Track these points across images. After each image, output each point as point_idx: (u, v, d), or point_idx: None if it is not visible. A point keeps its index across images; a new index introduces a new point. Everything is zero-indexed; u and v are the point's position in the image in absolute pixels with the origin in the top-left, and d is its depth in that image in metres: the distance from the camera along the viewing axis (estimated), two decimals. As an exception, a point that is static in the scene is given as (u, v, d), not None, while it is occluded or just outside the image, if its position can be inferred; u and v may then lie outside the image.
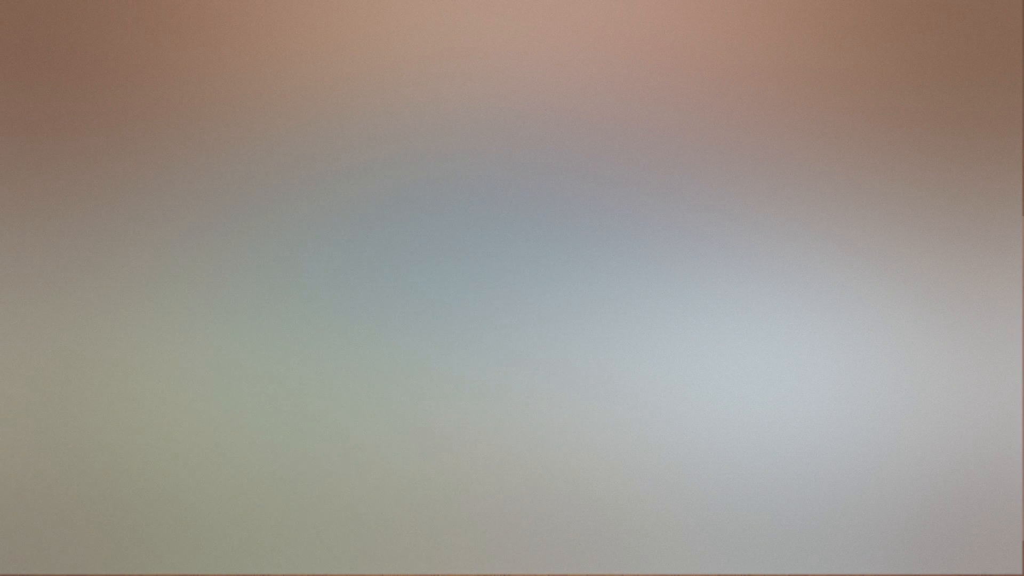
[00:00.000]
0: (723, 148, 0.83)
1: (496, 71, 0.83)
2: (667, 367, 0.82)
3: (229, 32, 0.84)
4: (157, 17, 0.84)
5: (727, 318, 0.83)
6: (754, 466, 0.82)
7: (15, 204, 0.83)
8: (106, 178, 0.83)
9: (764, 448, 0.82)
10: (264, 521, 0.82)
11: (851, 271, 0.83)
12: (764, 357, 0.82)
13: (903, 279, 0.83)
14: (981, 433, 0.82)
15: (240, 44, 0.84)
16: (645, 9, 0.84)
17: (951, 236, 0.83)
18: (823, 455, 0.82)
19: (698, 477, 0.82)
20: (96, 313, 0.83)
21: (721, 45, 0.84)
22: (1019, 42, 0.84)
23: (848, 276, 0.83)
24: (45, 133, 0.84)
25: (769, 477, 0.82)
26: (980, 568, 0.82)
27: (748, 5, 0.84)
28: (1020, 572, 0.82)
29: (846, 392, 0.82)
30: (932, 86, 0.84)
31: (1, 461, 0.82)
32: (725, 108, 0.84)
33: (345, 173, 0.83)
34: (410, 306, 0.83)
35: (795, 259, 0.83)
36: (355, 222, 0.83)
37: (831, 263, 0.83)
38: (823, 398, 0.82)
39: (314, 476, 0.82)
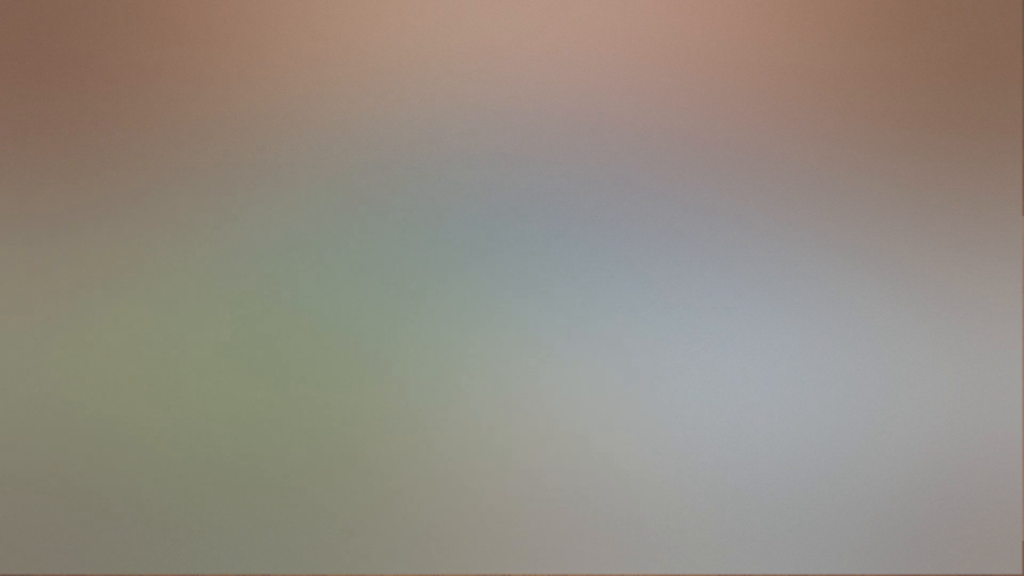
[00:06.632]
0: (725, 149, 0.83)
1: (500, 72, 0.83)
2: (668, 367, 0.82)
3: (234, 32, 0.84)
4: (162, 18, 0.84)
5: (729, 319, 0.83)
6: (755, 466, 0.82)
7: (15, 203, 0.83)
8: (108, 177, 0.83)
9: (765, 448, 0.82)
10: (265, 520, 0.82)
11: (852, 271, 0.83)
12: (764, 356, 0.82)
13: (903, 279, 0.83)
14: (981, 433, 0.82)
15: (242, 44, 0.84)
16: (647, 11, 0.84)
17: (951, 237, 0.83)
18: (823, 455, 0.82)
19: (702, 477, 0.82)
20: (96, 312, 0.83)
21: (723, 46, 0.84)
22: (1019, 42, 0.84)
23: (849, 276, 0.83)
24: (47, 135, 0.84)
25: (769, 477, 0.82)
26: (980, 568, 0.83)
27: (748, 6, 0.84)
28: (1020, 572, 0.82)
29: (846, 392, 0.83)
30: (932, 86, 0.84)
31: (1, 461, 0.83)
32: (725, 109, 0.84)
33: (347, 171, 0.83)
34: (409, 307, 0.83)
35: (796, 259, 0.83)
36: (356, 222, 0.83)
37: (832, 263, 0.83)
38: (823, 398, 0.82)
39: (319, 476, 0.82)
